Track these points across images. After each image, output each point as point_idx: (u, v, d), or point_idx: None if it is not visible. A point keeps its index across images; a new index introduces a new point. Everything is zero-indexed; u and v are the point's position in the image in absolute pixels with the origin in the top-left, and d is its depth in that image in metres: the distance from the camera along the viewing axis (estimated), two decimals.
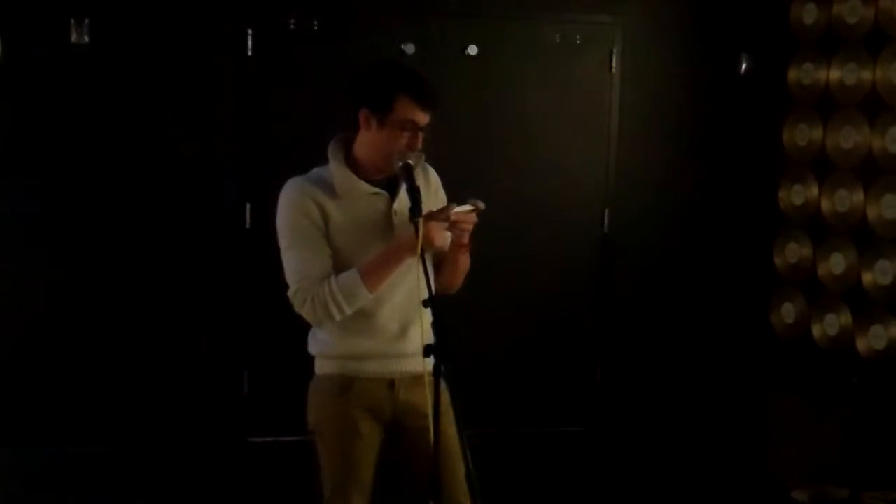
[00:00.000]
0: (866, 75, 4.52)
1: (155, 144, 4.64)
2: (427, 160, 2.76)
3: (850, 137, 4.62)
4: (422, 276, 2.44)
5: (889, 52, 4.40)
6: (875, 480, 4.13)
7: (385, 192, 2.67)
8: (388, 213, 2.67)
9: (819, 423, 4.44)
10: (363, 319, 2.65)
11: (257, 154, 4.70)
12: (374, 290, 2.59)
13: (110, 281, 4.65)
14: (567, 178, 5.04)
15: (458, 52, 4.87)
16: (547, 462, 4.84)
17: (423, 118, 2.61)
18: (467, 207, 2.57)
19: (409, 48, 4.78)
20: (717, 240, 5.23)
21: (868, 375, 4.48)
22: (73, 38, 4.50)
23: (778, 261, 5.08)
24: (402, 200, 2.63)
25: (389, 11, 4.81)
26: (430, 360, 2.38)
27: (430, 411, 2.41)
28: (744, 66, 5.16)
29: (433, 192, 2.79)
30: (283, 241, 2.67)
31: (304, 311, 2.62)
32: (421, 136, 2.62)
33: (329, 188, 2.64)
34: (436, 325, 2.36)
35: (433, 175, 2.83)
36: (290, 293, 2.64)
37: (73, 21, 4.49)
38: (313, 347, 2.77)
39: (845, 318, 4.65)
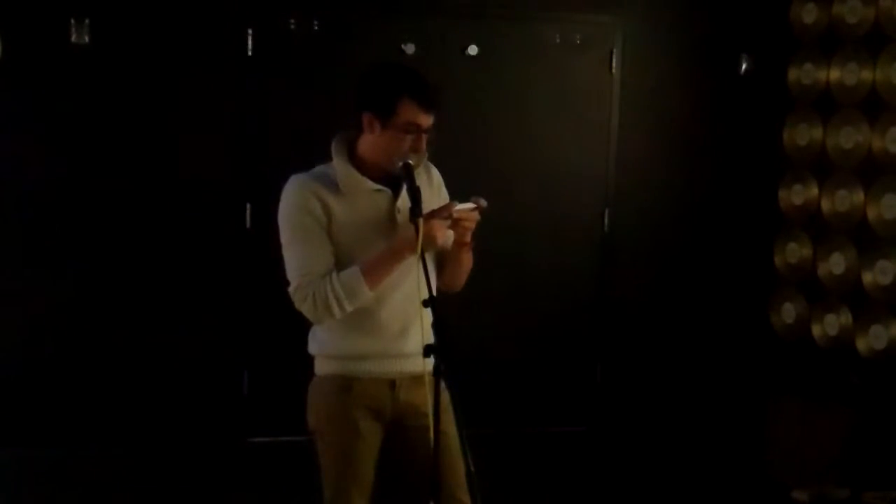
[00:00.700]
0: (866, 75, 4.52)
1: (155, 144, 4.64)
2: (427, 160, 2.75)
3: (850, 137, 4.62)
4: (422, 276, 2.44)
5: (889, 52, 4.40)
6: (875, 480, 4.12)
7: (388, 190, 2.66)
8: (392, 210, 2.66)
9: (819, 423, 4.44)
10: (364, 318, 2.64)
11: (257, 154, 4.70)
12: (375, 288, 2.58)
13: (110, 281, 4.64)
14: (567, 178, 5.04)
15: (459, 53, 4.87)
16: (547, 462, 4.83)
17: (426, 121, 2.59)
18: (469, 205, 2.55)
19: (410, 48, 4.78)
20: (718, 240, 5.23)
21: (868, 375, 4.47)
22: (73, 38, 4.50)
23: (778, 261, 5.08)
24: (406, 198, 2.61)
25: (389, 11, 4.82)
26: (431, 360, 2.38)
27: (430, 411, 2.41)
28: (744, 66, 5.16)
29: (436, 191, 2.78)
30: (285, 237, 2.65)
31: (305, 308, 2.61)
32: (425, 138, 2.60)
33: (332, 185, 2.63)
34: (436, 325, 2.36)
35: (435, 173, 2.81)
36: (290, 289, 2.62)
37: (73, 21, 4.49)
38: (313, 347, 2.76)
39: (845, 318, 4.64)
